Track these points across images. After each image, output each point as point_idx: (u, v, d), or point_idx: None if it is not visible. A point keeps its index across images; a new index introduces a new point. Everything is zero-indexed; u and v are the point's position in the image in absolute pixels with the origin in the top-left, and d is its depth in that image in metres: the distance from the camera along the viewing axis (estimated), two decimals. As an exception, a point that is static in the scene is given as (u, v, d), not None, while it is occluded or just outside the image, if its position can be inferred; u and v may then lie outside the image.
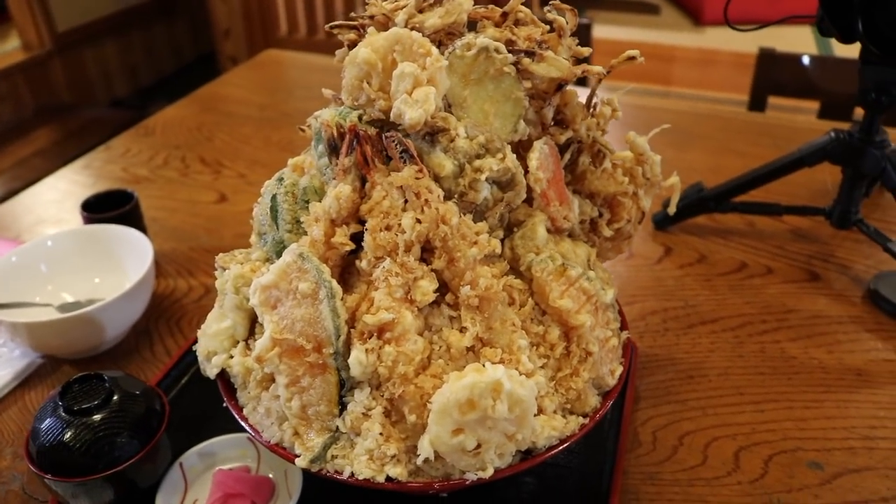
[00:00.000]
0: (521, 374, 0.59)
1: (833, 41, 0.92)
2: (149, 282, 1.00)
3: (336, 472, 0.61)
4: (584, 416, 0.66)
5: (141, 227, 1.13)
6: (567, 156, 0.74)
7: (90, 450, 0.71)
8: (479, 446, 0.58)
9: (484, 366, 0.58)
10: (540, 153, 0.68)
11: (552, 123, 0.72)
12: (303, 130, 0.82)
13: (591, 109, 0.75)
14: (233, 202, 1.38)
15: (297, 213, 0.66)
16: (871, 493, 0.79)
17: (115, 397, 0.73)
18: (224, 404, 0.68)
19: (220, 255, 0.69)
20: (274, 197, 0.67)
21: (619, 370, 0.69)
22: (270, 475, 0.78)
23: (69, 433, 0.71)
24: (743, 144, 1.56)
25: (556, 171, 0.72)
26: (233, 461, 0.80)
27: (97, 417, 0.72)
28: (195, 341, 0.97)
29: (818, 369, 0.96)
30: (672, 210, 0.86)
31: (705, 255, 1.20)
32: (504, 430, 0.58)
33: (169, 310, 1.09)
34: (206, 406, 0.88)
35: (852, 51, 0.99)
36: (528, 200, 0.69)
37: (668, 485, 0.80)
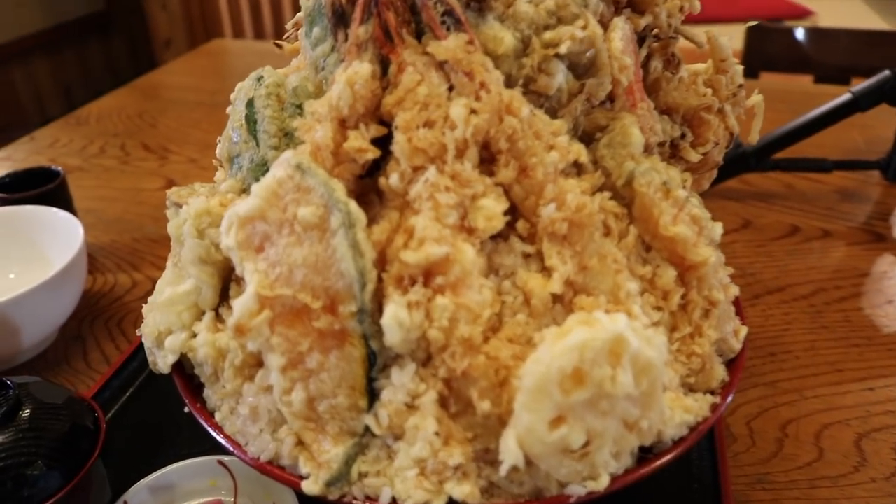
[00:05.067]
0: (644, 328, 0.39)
1: None
2: (78, 270, 0.77)
3: (368, 497, 0.39)
4: (710, 393, 0.46)
5: (70, 209, 0.91)
6: (643, 51, 0.55)
7: (-11, 489, 0.48)
8: (587, 444, 0.38)
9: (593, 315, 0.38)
10: (622, 32, 0.49)
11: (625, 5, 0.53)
12: (279, 46, 0.62)
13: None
14: (183, 188, 1.16)
15: (286, 123, 0.46)
16: None
17: (24, 411, 0.51)
18: (186, 410, 0.47)
19: (174, 188, 0.48)
20: (250, 102, 0.46)
21: (743, 331, 0.50)
22: (255, 511, 0.56)
23: (-44, 467, 0.48)
24: (756, 110, 1.41)
25: (636, 67, 0.53)
26: (199, 495, 0.58)
27: (-2, 441, 0.49)
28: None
29: (922, 337, 0.78)
30: (754, 139, 0.68)
31: (750, 220, 1.02)
32: (624, 414, 0.38)
33: (107, 310, 0.86)
34: (160, 424, 0.66)
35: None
36: (605, 102, 0.50)
37: (783, 488, 0.61)
